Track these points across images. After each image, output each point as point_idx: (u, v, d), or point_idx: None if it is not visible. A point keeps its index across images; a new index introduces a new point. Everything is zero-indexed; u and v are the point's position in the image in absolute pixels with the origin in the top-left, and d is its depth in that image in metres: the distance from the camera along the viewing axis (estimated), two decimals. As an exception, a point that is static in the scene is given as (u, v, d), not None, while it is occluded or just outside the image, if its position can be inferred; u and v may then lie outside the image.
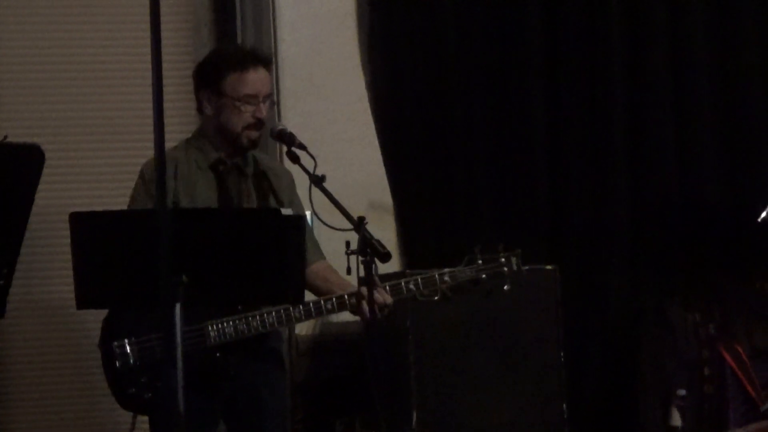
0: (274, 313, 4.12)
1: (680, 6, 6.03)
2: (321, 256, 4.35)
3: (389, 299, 4.13)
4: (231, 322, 4.10)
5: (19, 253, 3.38)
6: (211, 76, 4.31)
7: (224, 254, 3.51)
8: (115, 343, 4.11)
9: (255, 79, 4.25)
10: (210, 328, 4.09)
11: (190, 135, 4.39)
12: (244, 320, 4.11)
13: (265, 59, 4.36)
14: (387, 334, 4.85)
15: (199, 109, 4.35)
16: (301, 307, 4.13)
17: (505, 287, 4.29)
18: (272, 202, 4.28)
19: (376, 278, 4.09)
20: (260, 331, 4.13)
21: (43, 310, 5.37)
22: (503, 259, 4.29)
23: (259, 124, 4.24)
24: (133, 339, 4.10)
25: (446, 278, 4.24)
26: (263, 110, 4.24)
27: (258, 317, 4.11)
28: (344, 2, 5.77)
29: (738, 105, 6.07)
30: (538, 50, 5.87)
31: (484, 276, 4.27)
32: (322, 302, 4.16)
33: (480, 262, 4.28)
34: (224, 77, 4.26)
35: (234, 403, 4.22)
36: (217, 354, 4.12)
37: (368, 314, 4.00)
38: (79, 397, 5.39)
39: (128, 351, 4.10)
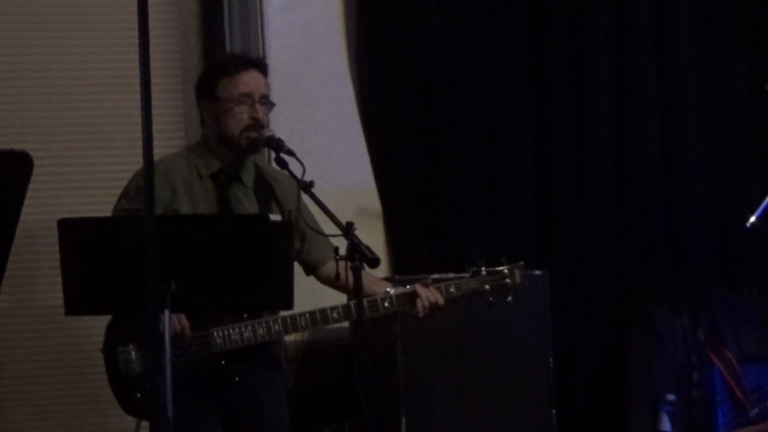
0: (279, 320, 4.14)
1: (666, 12, 6.04)
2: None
3: (441, 299, 4.24)
4: (237, 329, 4.11)
5: (7, 260, 3.36)
6: (206, 86, 4.34)
7: (212, 260, 3.50)
8: (120, 349, 4.11)
9: (247, 79, 4.26)
10: (216, 335, 4.09)
11: (183, 141, 4.38)
12: (250, 327, 4.11)
13: (258, 62, 4.37)
14: (375, 340, 4.86)
15: (201, 122, 4.36)
16: (307, 315, 4.16)
17: (509, 299, 4.37)
18: (275, 211, 4.28)
19: (429, 279, 4.25)
20: (266, 338, 4.15)
21: (31, 317, 5.34)
22: (506, 271, 4.37)
23: (256, 124, 4.22)
24: (137, 345, 4.09)
25: (452, 289, 4.31)
26: (259, 110, 4.23)
27: (264, 325, 4.12)
28: (332, 10, 5.76)
29: (724, 111, 6.10)
30: (525, 57, 5.88)
31: (487, 287, 4.34)
32: (328, 311, 4.18)
33: (484, 273, 4.35)
34: (217, 83, 4.28)
35: (235, 408, 4.22)
36: (222, 362, 4.12)
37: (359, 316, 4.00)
38: (68, 404, 5.37)
39: (133, 357, 4.10)
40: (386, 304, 4.24)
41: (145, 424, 4.30)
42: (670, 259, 5.94)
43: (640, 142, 5.98)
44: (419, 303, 4.23)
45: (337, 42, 5.73)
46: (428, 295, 4.24)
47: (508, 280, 4.36)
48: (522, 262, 4.41)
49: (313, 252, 4.38)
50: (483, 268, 4.34)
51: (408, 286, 4.31)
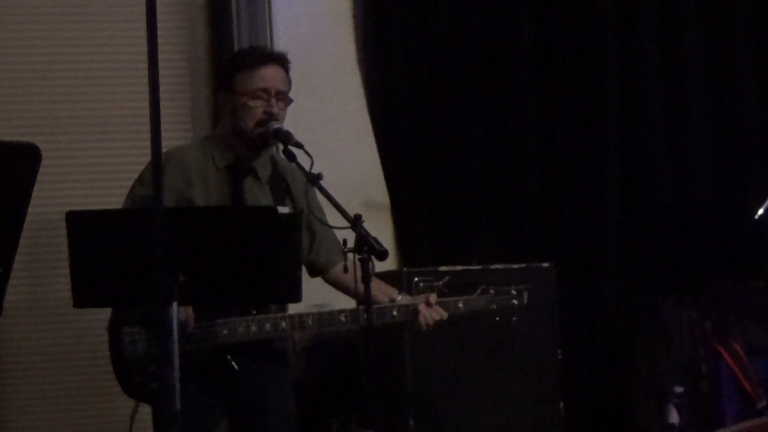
0: (287, 318, 4.14)
1: (673, 5, 6.02)
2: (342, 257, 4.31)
3: (444, 315, 4.29)
4: (244, 323, 4.09)
5: (15, 252, 3.35)
6: (224, 77, 4.32)
7: (220, 252, 3.50)
8: (126, 329, 4.08)
9: (264, 74, 4.23)
10: (222, 326, 4.08)
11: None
12: (256, 323, 4.10)
13: (278, 57, 4.32)
14: (383, 332, 4.85)
15: (218, 113, 4.34)
16: (315, 315, 4.17)
17: (514, 319, 4.45)
18: (289, 207, 4.26)
19: (431, 296, 4.26)
20: (271, 335, 4.15)
21: (39, 310, 5.34)
22: (514, 292, 4.42)
23: (270, 119, 4.19)
24: (144, 327, 4.07)
25: (460, 305, 4.36)
26: (274, 106, 4.21)
27: (271, 321, 4.12)
28: (340, 1, 5.74)
29: (731, 100, 6.07)
30: (532, 48, 5.87)
31: (494, 307, 4.40)
32: (336, 313, 4.19)
33: (492, 292, 4.40)
34: (235, 75, 4.25)
35: (238, 401, 4.22)
36: (228, 357, 4.11)
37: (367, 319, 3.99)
38: (77, 396, 5.37)
39: (138, 338, 4.08)
40: (394, 313, 4.26)
41: (143, 408, 4.27)
42: (676, 251, 5.92)
43: (647, 135, 5.95)
44: (421, 319, 4.26)
45: (344, 33, 5.72)
46: (431, 314, 4.27)
47: (515, 301, 4.43)
48: (529, 284, 4.48)
49: (321, 254, 4.37)
50: (491, 288, 4.40)
51: (415, 297, 4.35)
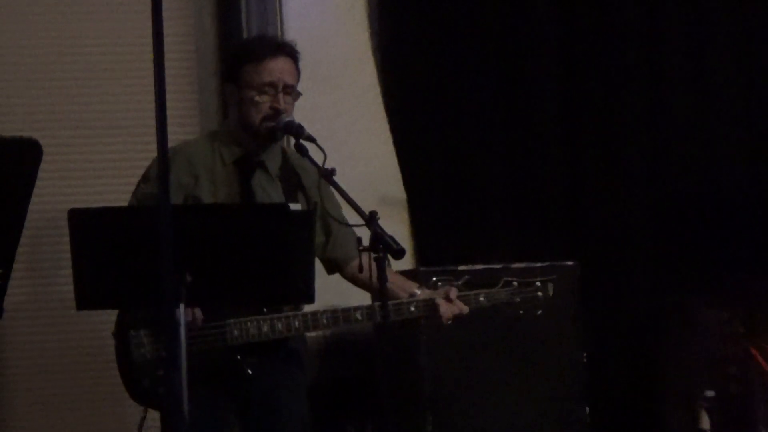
0: (300, 317, 4.09)
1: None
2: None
3: (465, 310, 4.21)
4: (255, 323, 4.04)
5: (16, 251, 3.33)
6: (231, 69, 4.28)
7: (230, 251, 3.43)
8: (132, 333, 4.04)
9: (272, 67, 4.17)
10: (233, 326, 4.03)
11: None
12: (268, 322, 4.05)
13: (286, 48, 4.26)
14: (399, 334, 4.79)
15: (226, 104, 4.32)
16: (329, 313, 4.11)
17: (538, 312, 4.35)
18: (301, 202, 4.21)
19: (452, 290, 4.17)
20: (284, 334, 4.09)
21: (41, 311, 5.32)
22: (539, 284, 4.34)
23: (276, 114, 4.13)
24: (149, 330, 4.03)
25: (481, 298, 4.28)
26: (281, 100, 4.15)
27: (283, 320, 4.07)
28: (352, -11, 5.74)
29: (761, 94, 5.98)
30: (553, 39, 5.80)
31: (518, 300, 4.31)
32: (351, 310, 4.14)
33: (515, 284, 4.32)
34: (242, 68, 4.20)
35: (251, 404, 4.17)
36: (238, 356, 4.06)
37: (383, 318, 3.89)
38: (83, 400, 5.35)
39: (145, 342, 4.04)
40: (412, 308, 4.19)
41: (152, 414, 4.25)
42: (706, 249, 5.84)
43: (675, 129, 5.88)
44: (441, 315, 4.18)
45: (358, 23, 5.67)
46: (451, 309, 4.18)
47: (539, 293, 4.34)
48: (555, 276, 4.39)
49: (337, 249, 4.31)
50: (514, 280, 4.31)
51: (434, 291, 4.25)
